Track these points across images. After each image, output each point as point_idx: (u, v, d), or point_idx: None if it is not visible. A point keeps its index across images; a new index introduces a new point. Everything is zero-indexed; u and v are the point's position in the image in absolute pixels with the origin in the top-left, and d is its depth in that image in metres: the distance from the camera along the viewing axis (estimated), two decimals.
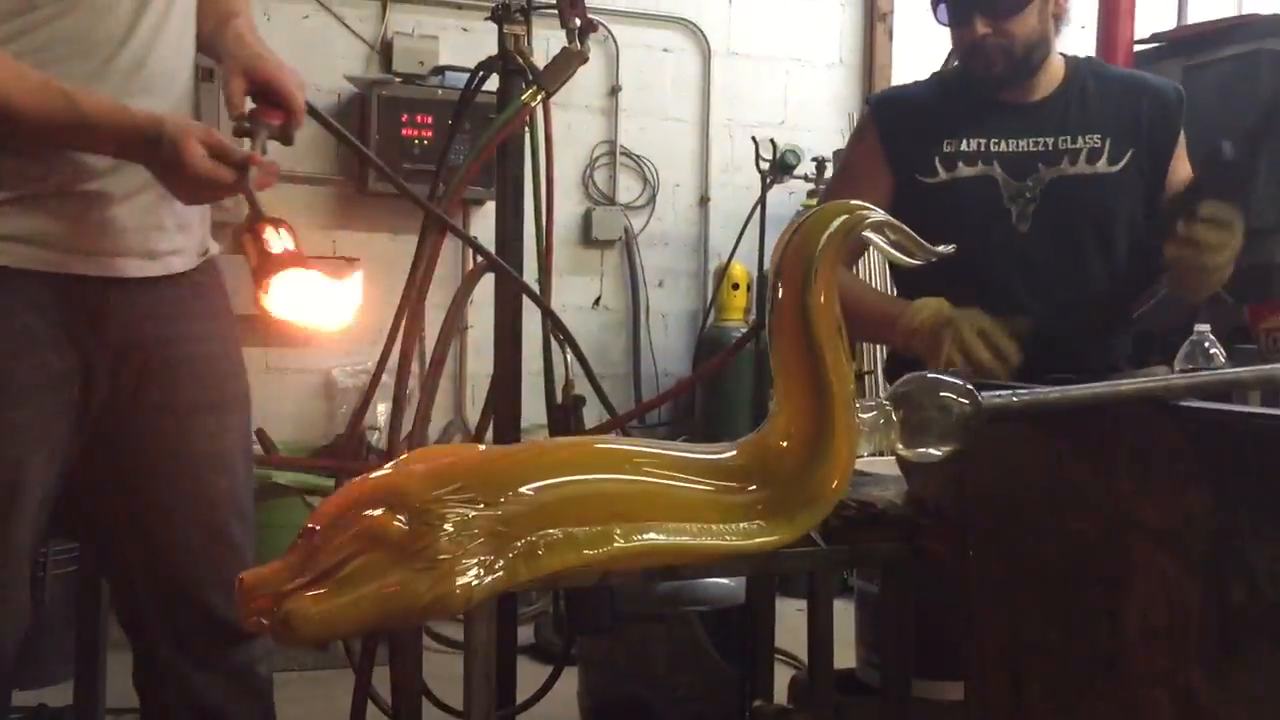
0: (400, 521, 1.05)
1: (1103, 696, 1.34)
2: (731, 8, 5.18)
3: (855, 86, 5.34)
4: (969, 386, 1.33)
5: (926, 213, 2.17)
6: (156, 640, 1.69)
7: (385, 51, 4.65)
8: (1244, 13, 5.14)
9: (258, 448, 2.37)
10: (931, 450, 1.32)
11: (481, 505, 1.11)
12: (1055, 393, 1.34)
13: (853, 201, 1.39)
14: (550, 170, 2.50)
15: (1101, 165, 2.16)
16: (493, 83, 2.52)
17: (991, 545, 1.55)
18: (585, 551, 1.17)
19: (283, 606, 1.01)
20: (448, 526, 1.07)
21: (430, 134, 4.42)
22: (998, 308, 2.15)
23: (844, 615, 2.38)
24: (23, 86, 1.43)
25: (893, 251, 1.37)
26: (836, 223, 1.32)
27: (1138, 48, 4.04)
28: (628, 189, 5.07)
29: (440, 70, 4.55)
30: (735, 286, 4.82)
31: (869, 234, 1.34)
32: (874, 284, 4.58)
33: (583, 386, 2.59)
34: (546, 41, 2.85)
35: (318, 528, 1.05)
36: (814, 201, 4.62)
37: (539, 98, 2.31)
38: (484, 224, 4.06)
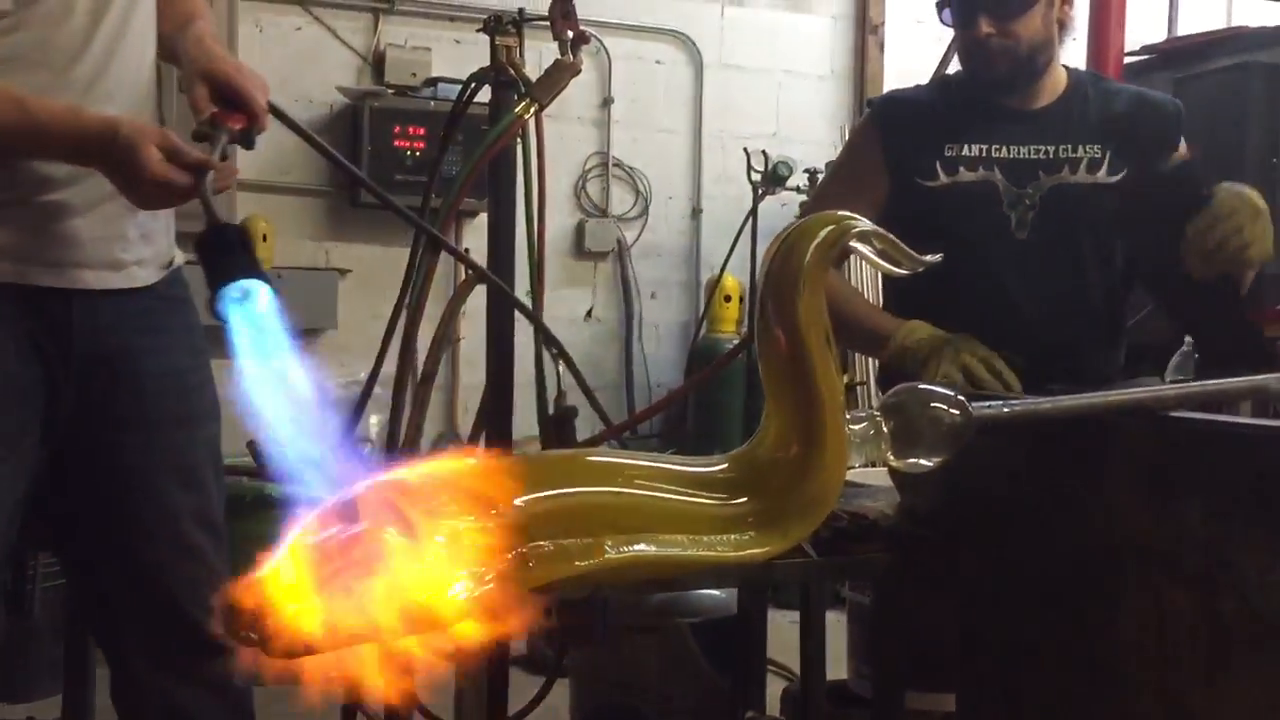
0: (390, 534, 1.05)
1: (1095, 707, 1.34)
2: (723, 20, 5.19)
3: (847, 98, 5.35)
4: (960, 397, 1.33)
5: (925, 216, 2.18)
6: (132, 655, 1.68)
7: (378, 63, 4.65)
8: (1234, 25, 5.16)
9: (249, 460, 2.37)
10: (922, 461, 1.32)
11: (471, 518, 1.11)
12: (1045, 403, 1.34)
13: (840, 211, 1.39)
14: (542, 182, 2.50)
15: (1101, 176, 2.17)
16: (485, 94, 2.52)
17: (984, 557, 1.55)
18: (577, 563, 1.17)
19: (268, 619, 1.00)
20: (438, 538, 1.06)
21: (423, 145, 4.43)
22: (993, 313, 2.16)
23: (836, 627, 2.38)
24: None
25: (880, 261, 1.37)
26: (823, 233, 1.32)
27: (1128, 59, 4.06)
28: (620, 201, 5.07)
29: (433, 82, 4.55)
30: (727, 298, 4.82)
31: (855, 244, 1.34)
32: (864, 286, 4.59)
33: (575, 398, 2.59)
34: (539, 53, 2.84)
35: (306, 541, 1.05)
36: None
37: (531, 110, 2.31)
38: (476, 236, 4.06)
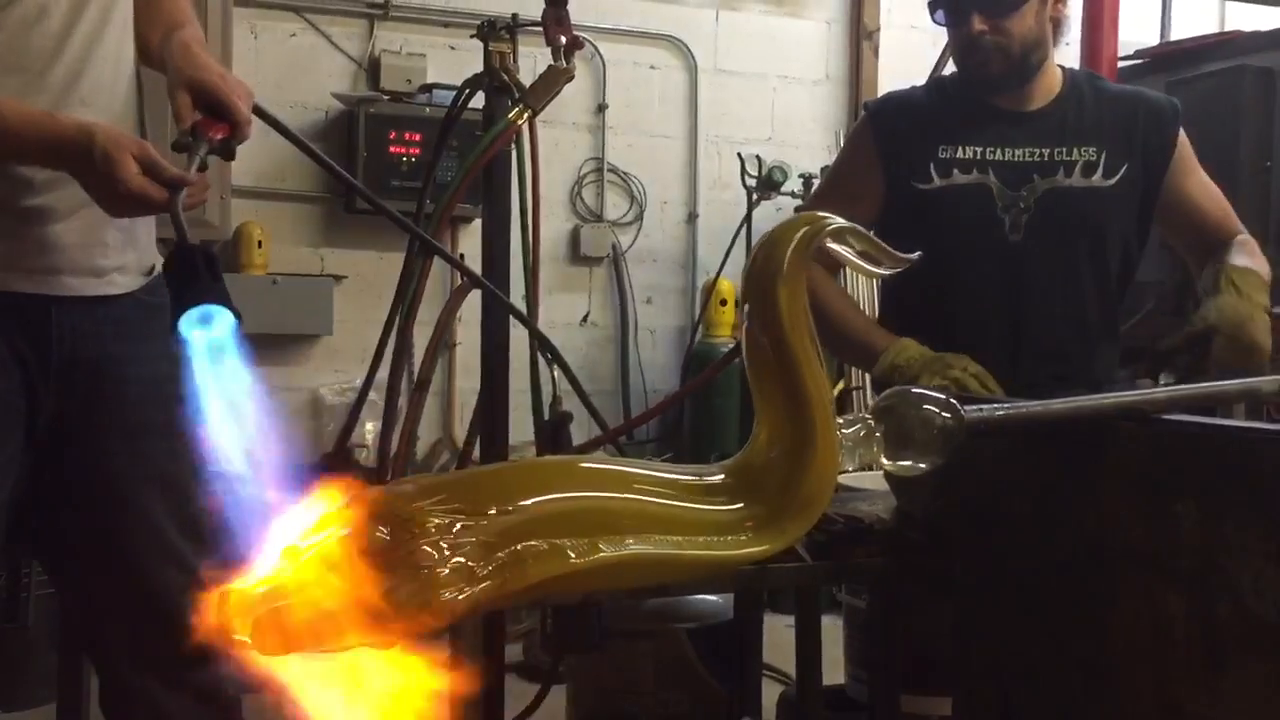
0: (382, 532, 1.05)
1: (1090, 711, 1.34)
2: (718, 25, 5.20)
3: (842, 103, 5.36)
4: (951, 401, 1.33)
5: (919, 219, 2.18)
6: (119, 663, 1.67)
7: (373, 69, 4.65)
8: (1227, 29, 5.17)
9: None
10: (914, 464, 1.32)
11: (466, 518, 1.10)
12: (1037, 406, 1.34)
13: (816, 212, 1.40)
14: (537, 188, 2.50)
15: (1096, 179, 2.16)
16: (480, 100, 2.52)
17: (979, 560, 1.55)
18: (572, 560, 1.16)
19: (261, 618, 1.00)
20: (431, 536, 1.06)
21: (418, 151, 4.43)
22: (987, 316, 2.16)
23: (833, 631, 2.38)
24: None
25: (858, 262, 1.37)
26: (798, 235, 1.32)
27: (1121, 64, 4.07)
28: (615, 206, 5.08)
29: (428, 88, 4.56)
30: (723, 302, 4.83)
31: (832, 244, 1.35)
32: (863, 291, 4.59)
33: (571, 403, 2.59)
34: (534, 59, 2.85)
35: (298, 544, 1.05)
36: None
37: (525, 116, 2.32)
38: (471, 241, 4.06)
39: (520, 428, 2.63)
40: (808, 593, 1.89)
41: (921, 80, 2.48)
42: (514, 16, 2.43)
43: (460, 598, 1.04)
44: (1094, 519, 1.31)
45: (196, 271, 1.42)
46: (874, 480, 2.04)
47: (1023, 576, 1.45)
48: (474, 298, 2.50)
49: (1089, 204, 2.16)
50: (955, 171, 2.17)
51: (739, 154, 4.91)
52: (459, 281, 2.68)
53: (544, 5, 2.38)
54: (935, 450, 1.31)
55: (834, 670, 2.45)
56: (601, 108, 5.00)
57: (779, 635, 2.95)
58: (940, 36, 2.31)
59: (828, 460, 1.30)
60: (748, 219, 4.79)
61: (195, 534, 1.70)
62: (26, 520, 1.61)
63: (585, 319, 5.05)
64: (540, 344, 2.51)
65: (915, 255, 1.43)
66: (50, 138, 1.44)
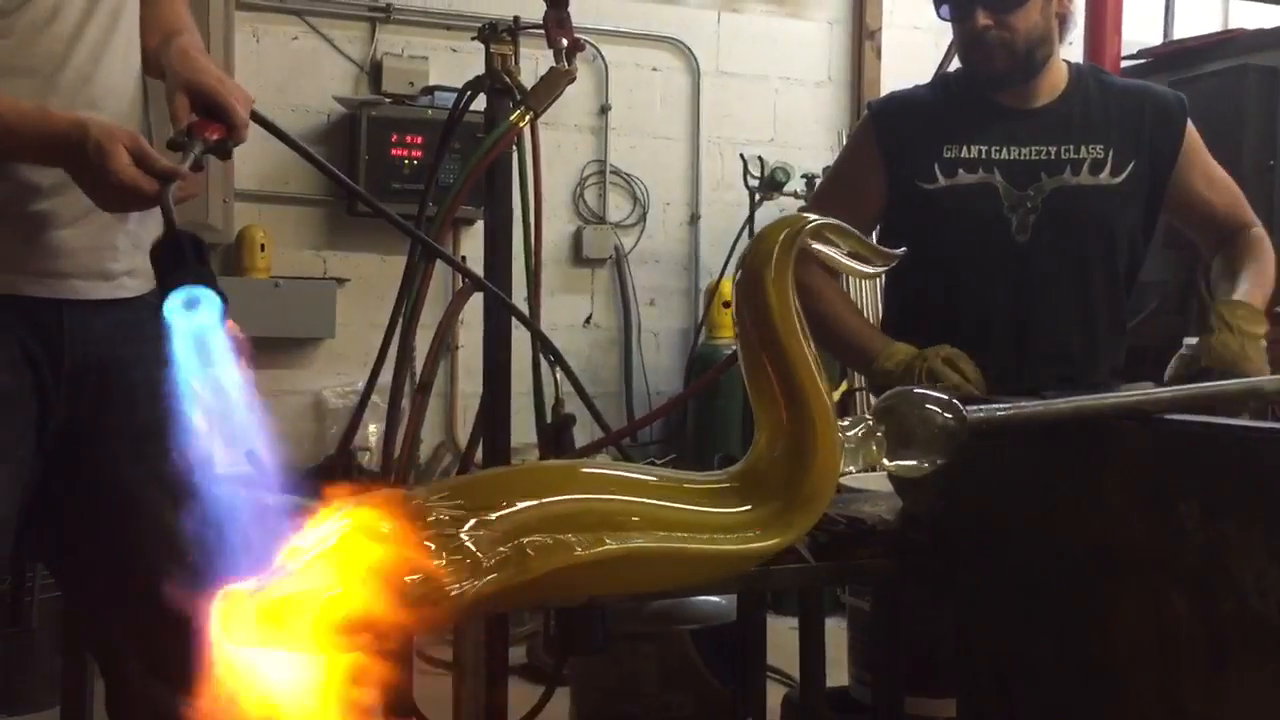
0: (388, 528, 1.05)
1: (1094, 711, 1.34)
2: (720, 26, 5.20)
3: (844, 104, 5.36)
4: (953, 400, 1.33)
5: (924, 219, 2.17)
6: (126, 665, 1.67)
7: (375, 72, 4.65)
8: (1230, 28, 5.17)
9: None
10: (917, 463, 1.32)
11: (471, 514, 1.10)
12: (1039, 406, 1.34)
13: (802, 213, 1.40)
14: (539, 189, 2.50)
15: (1104, 177, 2.14)
16: (481, 102, 2.52)
17: (982, 561, 1.55)
18: (577, 551, 1.15)
19: (264, 608, 0.99)
20: (436, 532, 1.06)
21: (420, 154, 4.43)
22: (993, 317, 2.15)
23: (836, 633, 2.38)
24: None
25: (846, 262, 1.38)
26: (781, 235, 1.34)
27: (1124, 64, 4.06)
28: (618, 207, 5.07)
29: (430, 90, 4.56)
30: (726, 304, 4.82)
31: (816, 244, 1.35)
32: (865, 292, 4.59)
33: (574, 406, 2.59)
34: (536, 61, 2.85)
35: (301, 544, 1.05)
36: None
37: (527, 118, 2.31)
38: (473, 243, 4.05)
39: (523, 430, 2.63)
40: (811, 594, 1.88)
41: (924, 80, 2.46)
42: (515, 19, 2.43)
43: (467, 590, 1.04)
44: (1097, 519, 1.31)
45: (184, 256, 1.42)
46: (878, 481, 2.04)
47: (1026, 577, 1.45)
48: (476, 300, 2.50)
49: (1097, 202, 2.15)
50: (960, 171, 2.15)
51: (741, 155, 4.91)
52: (461, 284, 2.68)
53: (545, 7, 2.38)
54: (937, 450, 1.31)
55: (837, 672, 2.45)
56: (604, 109, 5.00)
57: (782, 637, 2.94)
58: (943, 36, 2.30)
59: (829, 452, 1.30)
60: (750, 220, 4.78)
61: (203, 535, 1.70)
62: (36, 523, 1.62)
63: (588, 321, 5.05)
64: (543, 346, 2.51)
65: (901, 251, 1.43)
66: (44, 131, 1.44)
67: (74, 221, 1.55)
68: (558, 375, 2.52)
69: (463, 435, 4.58)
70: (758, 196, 4.82)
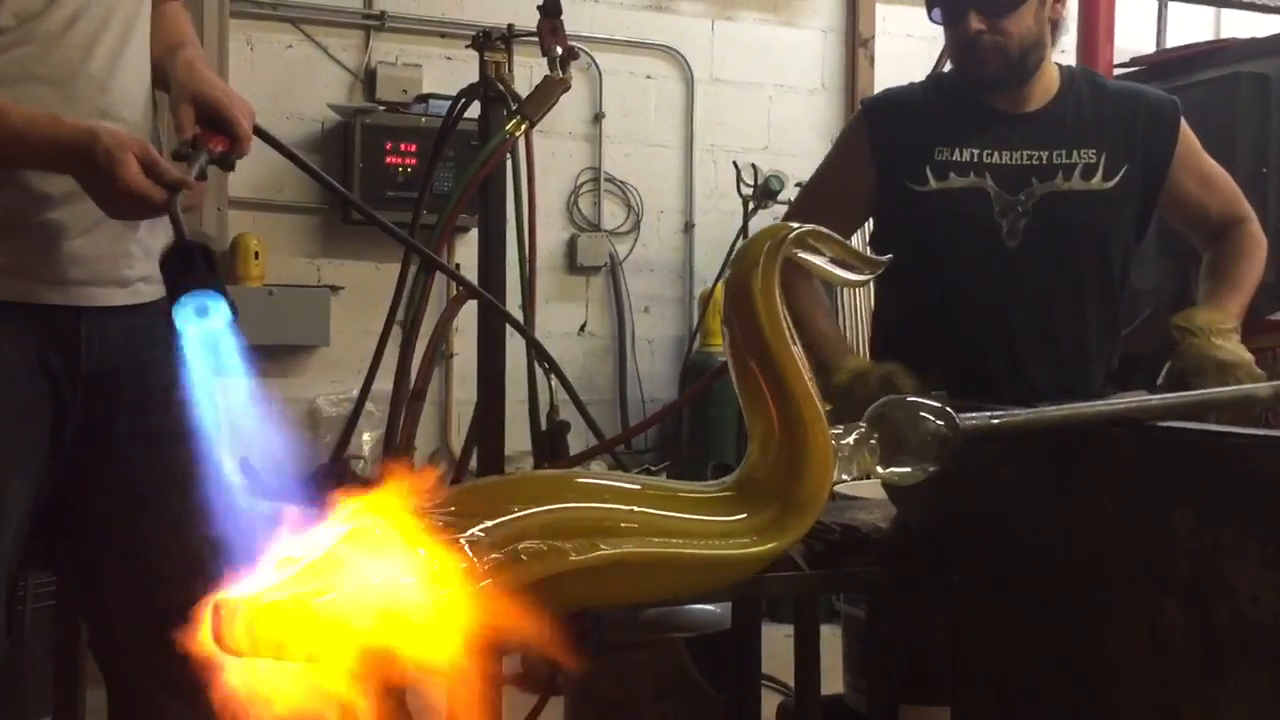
0: (380, 534, 1.04)
1: (1088, 718, 1.34)
2: (714, 34, 5.21)
3: (838, 111, 5.36)
4: (946, 408, 1.32)
5: (914, 221, 2.15)
6: (133, 674, 1.67)
7: (369, 80, 4.66)
8: (1222, 37, 5.19)
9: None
10: (909, 471, 1.32)
11: (466, 522, 1.10)
12: (1031, 414, 1.34)
13: (786, 222, 1.41)
14: (532, 197, 2.50)
15: (1096, 182, 2.13)
16: (475, 110, 2.52)
17: (976, 569, 1.55)
18: (572, 557, 1.14)
19: (255, 608, 0.99)
20: (430, 534, 1.06)
21: (414, 162, 4.43)
22: (982, 323, 2.14)
23: (831, 641, 2.37)
24: None
25: (831, 269, 1.38)
26: (766, 244, 1.34)
27: (1117, 71, 4.08)
28: (612, 215, 5.08)
29: (424, 98, 4.56)
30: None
31: (800, 251, 1.35)
32: (859, 297, 4.59)
33: (569, 413, 2.58)
34: (530, 69, 2.86)
35: (294, 553, 1.04)
36: None
37: (522, 127, 2.32)
38: (468, 250, 4.06)
39: (518, 438, 2.63)
40: (806, 602, 1.88)
41: None
42: (509, 27, 2.43)
43: (459, 594, 1.03)
44: (1091, 527, 1.31)
45: (193, 264, 1.44)
46: (872, 489, 2.04)
47: (1020, 586, 1.45)
48: (470, 308, 2.50)
49: (1089, 208, 2.13)
50: (952, 174, 2.14)
51: (735, 163, 4.92)
52: (455, 291, 2.68)
53: (539, 16, 2.38)
54: (930, 457, 1.31)
55: (832, 680, 2.45)
56: (598, 117, 5.01)
57: (777, 645, 2.94)
58: (936, 44, 2.30)
59: (822, 456, 1.29)
60: (744, 228, 4.79)
61: (214, 541, 1.71)
62: (46, 530, 1.62)
63: (583, 329, 5.05)
64: (537, 353, 2.51)
65: (888, 258, 1.43)
66: (55, 139, 1.45)
67: (90, 229, 1.56)
68: (552, 383, 2.52)
69: (457, 443, 4.57)
70: (752, 204, 4.83)
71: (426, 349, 2.43)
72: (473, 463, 2.58)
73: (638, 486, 1.32)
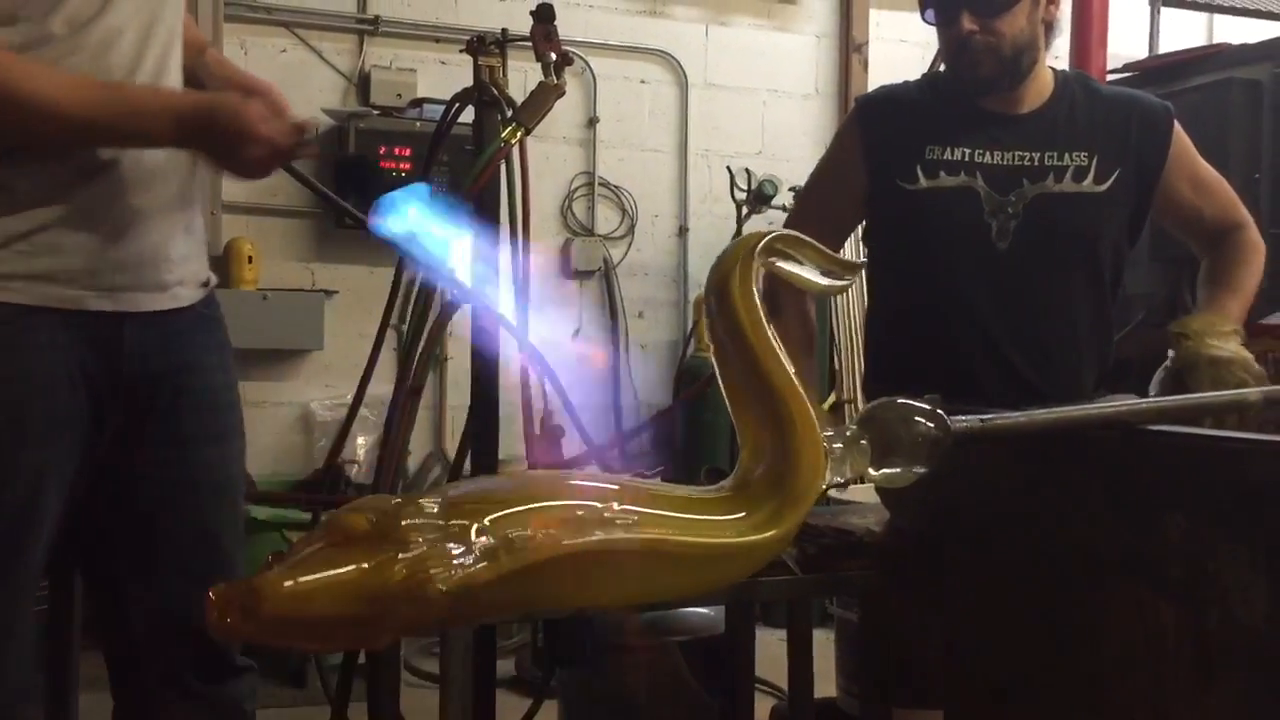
0: (371, 520, 1.04)
1: None
2: (708, 39, 5.21)
3: (832, 116, 5.37)
4: (938, 411, 1.33)
5: (905, 220, 2.15)
6: (147, 676, 1.68)
7: (363, 84, 4.66)
8: (1214, 42, 5.20)
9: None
10: (901, 474, 1.32)
11: (455, 509, 1.09)
12: (1022, 417, 1.35)
13: (761, 231, 1.42)
14: (527, 202, 2.50)
15: (1087, 184, 2.12)
16: (469, 114, 2.52)
17: (970, 573, 1.55)
18: (565, 542, 1.13)
19: (249, 586, 0.99)
20: (420, 523, 1.05)
21: (408, 166, 4.43)
22: (970, 324, 2.14)
23: (825, 645, 2.38)
24: (60, 82, 1.45)
25: (811, 278, 1.38)
26: (743, 249, 1.36)
27: (1110, 77, 4.08)
28: (606, 220, 5.08)
29: (418, 103, 4.56)
30: None
31: (777, 261, 1.36)
32: (854, 298, 4.59)
33: (563, 418, 2.59)
34: (524, 74, 2.86)
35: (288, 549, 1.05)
36: None
37: (519, 135, 2.32)
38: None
39: (511, 442, 2.63)
40: (799, 605, 1.89)
41: None
42: (503, 31, 2.43)
43: (450, 575, 1.02)
44: (1083, 530, 1.31)
45: (366, 175, 1.58)
46: (864, 492, 2.05)
47: (1013, 589, 1.45)
48: (464, 312, 2.50)
49: (1079, 210, 2.13)
50: (942, 173, 2.13)
51: (729, 168, 4.92)
52: (449, 295, 2.68)
53: (532, 21, 2.38)
54: (921, 459, 1.31)
55: (825, 683, 2.45)
56: (592, 121, 5.01)
57: (771, 648, 2.94)
58: (930, 49, 2.30)
59: (813, 448, 1.28)
60: (738, 233, 4.79)
61: (241, 543, 1.74)
62: (73, 529, 1.62)
63: (577, 333, 5.05)
64: (531, 357, 2.51)
65: (862, 262, 1.44)
66: (175, 107, 1.50)
67: (137, 236, 1.58)
68: (546, 387, 2.52)
69: (451, 446, 4.57)
70: (746, 209, 4.83)
71: (423, 348, 2.44)
72: (466, 466, 2.58)
73: (633, 484, 1.32)
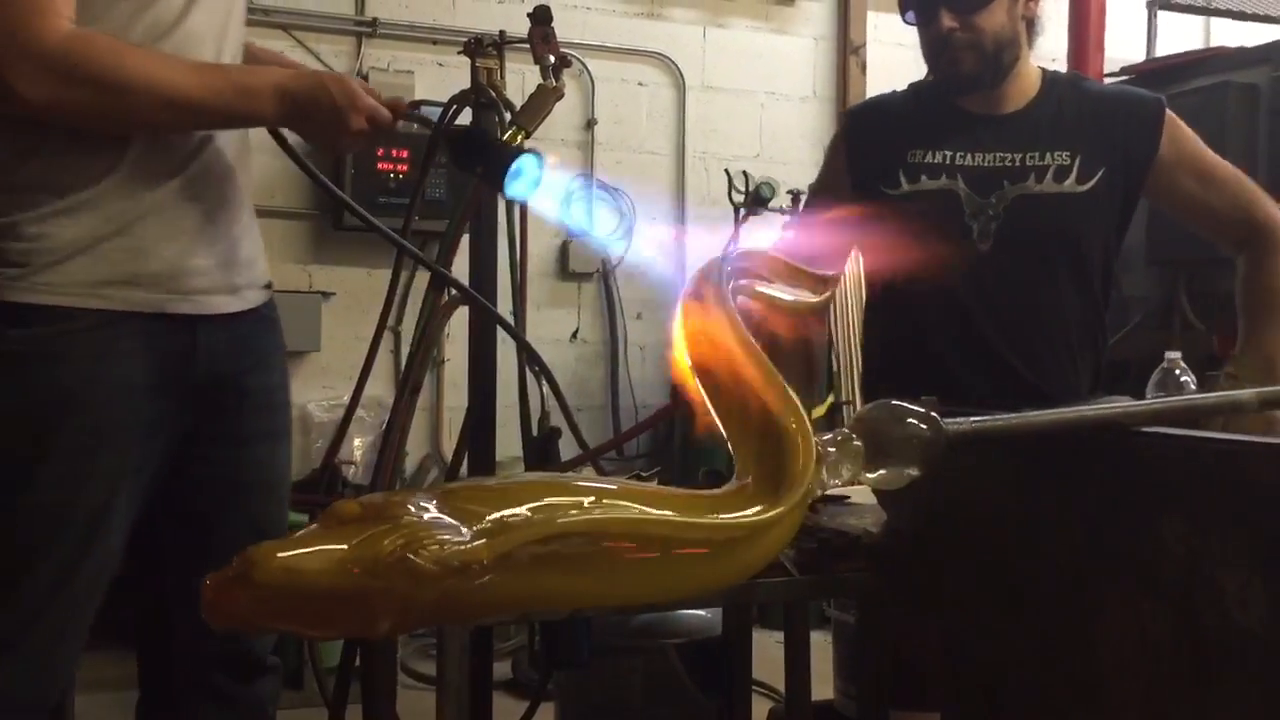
0: (362, 506, 1.04)
1: None
2: (705, 41, 5.22)
3: (829, 119, 5.38)
4: (932, 413, 1.33)
5: (889, 224, 2.15)
6: (178, 675, 1.69)
7: None
8: (1211, 46, 5.21)
9: None
10: (894, 475, 1.32)
11: (450, 501, 1.09)
12: (1016, 419, 1.34)
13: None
14: (524, 203, 2.50)
15: (1069, 184, 2.10)
16: (467, 116, 2.52)
17: (966, 574, 1.55)
18: (559, 520, 1.11)
19: (244, 555, 0.99)
20: (411, 507, 1.05)
21: (406, 168, 4.43)
22: (953, 326, 2.13)
23: (822, 647, 2.38)
24: (175, 66, 1.48)
25: (781, 296, 1.39)
26: (714, 270, 1.37)
27: (1107, 80, 4.09)
28: (605, 221, 5.08)
29: (415, 104, 4.55)
30: None
31: (747, 282, 1.36)
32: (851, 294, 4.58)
33: (560, 419, 2.58)
34: (522, 75, 2.86)
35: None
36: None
37: (519, 138, 2.32)
38: (459, 256, 4.06)
39: (509, 443, 2.63)
40: (796, 608, 1.89)
41: None
42: (501, 33, 2.43)
43: (443, 552, 1.01)
44: (1079, 532, 1.31)
45: (483, 143, 1.77)
46: (862, 494, 2.04)
47: (1010, 591, 1.45)
48: (461, 314, 2.50)
49: (1060, 210, 2.11)
50: (923, 177, 2.13)
51: (726, 170, 4.93)
52: (446, 296, 2.68)
53: (530, 24, 2.38)
54: (914, 461, 1.31)
55: (823, 686, 2.45)
56: (590, 124, 5.02)
57: (768, 651, 2.95)
58: None
59: (802, 434, 1.28)
60: (737, 235, 4.79)
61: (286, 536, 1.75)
62: (135, 534, 1.64)
63: (575, 335, 5.05)
64: (528, 357, 2.51)
65: (834, 274, 1.44)
66: (279, 84, 1.54)
67: (212, 240, 1.61)
68: (543, 388, 2.52)
69: (448, 448, 4.57)
70: (743, 211, 4.83)
71: (419, 354, 2.43)
72: (463, 468, 2.58)
73: (632, 484, 1.32)
